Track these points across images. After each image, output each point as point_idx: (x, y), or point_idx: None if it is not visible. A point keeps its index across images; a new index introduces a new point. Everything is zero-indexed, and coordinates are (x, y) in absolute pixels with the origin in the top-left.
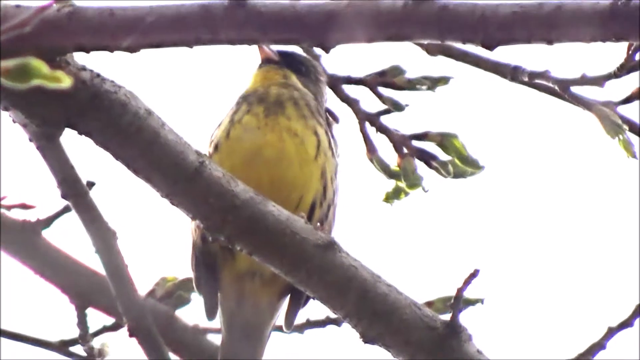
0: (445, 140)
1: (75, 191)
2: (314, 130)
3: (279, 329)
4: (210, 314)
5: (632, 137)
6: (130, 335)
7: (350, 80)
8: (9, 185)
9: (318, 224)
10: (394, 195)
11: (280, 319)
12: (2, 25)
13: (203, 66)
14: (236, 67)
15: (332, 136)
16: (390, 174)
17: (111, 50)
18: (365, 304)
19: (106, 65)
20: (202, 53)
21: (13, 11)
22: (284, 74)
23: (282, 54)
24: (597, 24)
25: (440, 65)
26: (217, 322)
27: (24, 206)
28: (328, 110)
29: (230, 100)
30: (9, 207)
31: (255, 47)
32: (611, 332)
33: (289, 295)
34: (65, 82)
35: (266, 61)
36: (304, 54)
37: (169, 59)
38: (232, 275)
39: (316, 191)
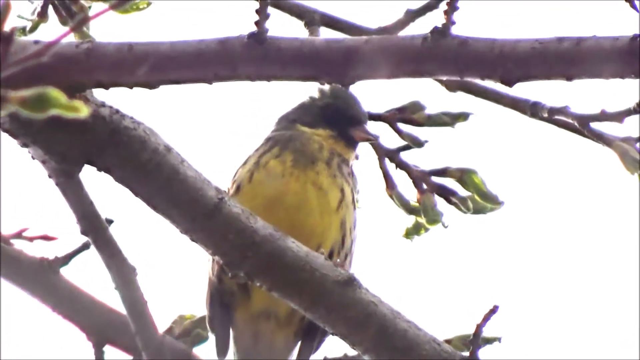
0: (464, 176)
1: (95, 227)
2: (340, 187)
3: None
4: (222, 353)
5: None
6: None
7: (369, 116)
8: (29, 220)
9: (338, 260)
10: (413, 231)
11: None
12: (18, 57)
13: (223, 101)
14: (254, 102)
15: (356, 183)
16: (410, 209)
17: (130, 87)
18: (384, 339)
19: (126, 101)
20: (221, 88)
21: (31, 47)
22: (349, 158)
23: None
24: (617, 60)
25: (459, 101)
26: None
27: (46, 238)
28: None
29: (258, 133)
30: (31, 239)
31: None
32: None
33: (302, 337)
34: (84, 112)
35: (354, 141)
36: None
37: (188, 95)
38: (247, 315)
39: (334, 240)
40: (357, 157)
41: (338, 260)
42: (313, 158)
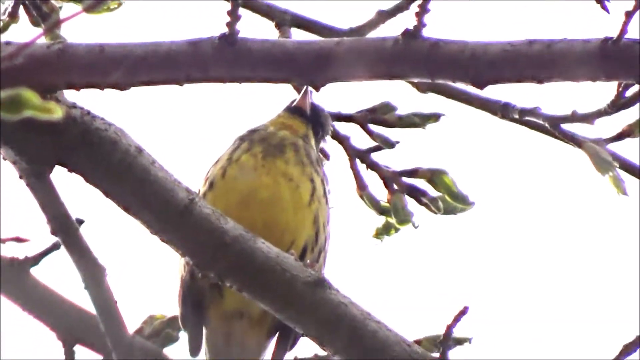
0: (435, 177)
1: (65, 228)
2: (310, 177)
3: None
4: (194, 352)
5: (623, 174)
6: None
7: (340, 117)
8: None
9: (308, 261)
10: (384, 231)
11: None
12: None
13: (194, 103)
14: (227, 103)
15: (326, 180)
16: (380, 210)
17: (101, 88)
18: (354, 340)
19: (97, 102)
20: (192, 90)
21: (3, 48)
22: (306, 133)
23: (313, 107)
24: (587, 63)
25: (430, 102)
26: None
27: (18, 240)
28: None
29: (231, 134)
30: (3, 241)
31: (291, 86)
32: None
33: (277, 336)
34: (57, 113)
35: (297, 109)
36: (327, 114)
37: (160, 96)
38: (220, 314)
39: (308, 236)
40: (327, 158)
41: (309, 260)
42: (280, 145)
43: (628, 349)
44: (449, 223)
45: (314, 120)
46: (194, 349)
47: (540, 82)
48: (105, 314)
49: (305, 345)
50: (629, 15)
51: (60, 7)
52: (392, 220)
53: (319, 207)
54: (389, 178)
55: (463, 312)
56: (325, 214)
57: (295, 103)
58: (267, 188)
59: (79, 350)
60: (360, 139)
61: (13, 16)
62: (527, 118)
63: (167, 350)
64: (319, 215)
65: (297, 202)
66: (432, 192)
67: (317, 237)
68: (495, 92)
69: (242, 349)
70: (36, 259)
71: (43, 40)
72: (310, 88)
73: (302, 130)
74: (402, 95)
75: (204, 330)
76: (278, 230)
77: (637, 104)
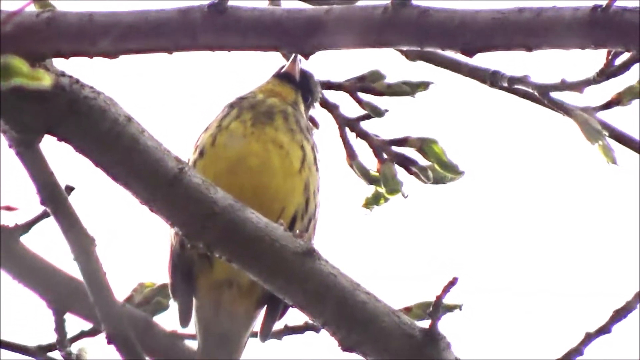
0: (424, 146)
1: (54, 198)
2: (300, 145)
3: (256, 335)
4: (184, 321)
5: (612, 143)
6: (109, 342)
7: (329, 85)
8: None
9: (297, 231)
10: (373, 200)
11: (256, 327)
12: None
13: (184, 71)
14: (215, 71)
15: (316, 148)
16: (370, 179)
17: (90, 56)
18: (343, 311)
19: (86, 71)
20: (182, 58)
21: None
22: (295, 100)
23: (302, 73)
24: (577, 31)
25: (419, 70)
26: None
27: (9, 208)
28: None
29: (220, 102)
30: None
31: (280, 54)
32: (589, 337)
33: (266, 306)
34: (46, 81)
35: (286, 75)
36: (316, 81)
37: (149, 64)
38: (209, 284)
39: (298, 204)
40: (317, 126)
41: (298, 230)
42: (269, 112)
43: (619, 314)
44: (438, 192)
45: (303, 87)
46: (184, 319)
47: (530, 50)
48: (93, 284)
49: (295, 315)
50: None
51: None
52: (382, 189)
53: (310, 175)
54: (378, 147)
55: (452, 282)
56: (316, 182)
57: (284, 69)
58: (256, 155)
59: (69, 318)
60: (349, 108)
61: None
62: (516, 86)
63: (157, 318)
64: (310, 183)
65: (287, 170)
66: (422, 161)
67: (307, 206)
68: (484, 60)
69: (232, 319)
70: (26, 227)
71: (32, 9)
72: (299, 56)
73: (291, 97)
74: (392, 63)
75: (194, 301)
76: (268, 198)
77: (626, 72)
